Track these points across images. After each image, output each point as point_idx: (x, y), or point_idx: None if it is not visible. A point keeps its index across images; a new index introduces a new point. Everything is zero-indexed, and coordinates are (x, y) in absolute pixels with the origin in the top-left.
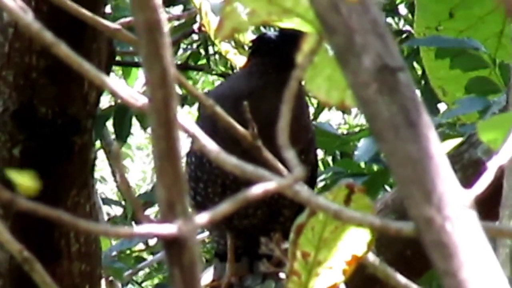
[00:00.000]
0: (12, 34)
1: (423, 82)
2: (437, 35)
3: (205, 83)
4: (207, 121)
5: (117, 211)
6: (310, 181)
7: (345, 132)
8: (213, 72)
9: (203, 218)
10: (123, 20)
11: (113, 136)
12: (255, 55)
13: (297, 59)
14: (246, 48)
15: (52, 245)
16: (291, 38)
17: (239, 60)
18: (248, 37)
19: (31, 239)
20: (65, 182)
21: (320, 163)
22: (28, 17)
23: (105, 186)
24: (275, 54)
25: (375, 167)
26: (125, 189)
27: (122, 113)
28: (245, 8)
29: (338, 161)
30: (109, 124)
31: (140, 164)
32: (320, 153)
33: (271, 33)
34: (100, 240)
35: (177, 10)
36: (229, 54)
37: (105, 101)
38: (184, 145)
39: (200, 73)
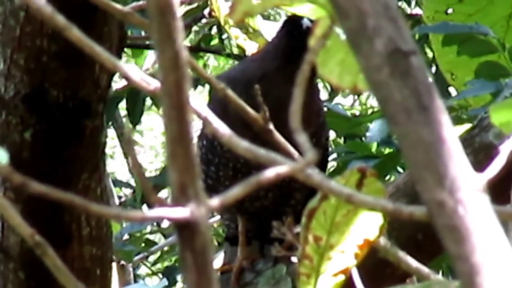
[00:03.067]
0: (24, 17)
1: (434, 65)
2: (445, 21)
3: (215, 68)
4: (218, 104)
5: (127, 191)
6: (322, 164)
7: (357, 113)
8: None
9: (215, 202)
10: (135, 3)
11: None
12: (282, 33)
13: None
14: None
15: (63, 229)
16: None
17: (249, 46)
18: (257, 22)
19: (42, 223)
20: (76, 166)
21: (332, 144)
22: (40, 0)
23: (115, 162)
24: (301, 40)
25: (385, 150)
26: (137, 172)
27: (135, 95)
28: None
29: (348, 143)
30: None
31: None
32: (331, 135)
33: (307, 19)
34: (111, 224)
35: None
36: (239, 40)
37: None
38: (195, 128)
39: (211, 56)
